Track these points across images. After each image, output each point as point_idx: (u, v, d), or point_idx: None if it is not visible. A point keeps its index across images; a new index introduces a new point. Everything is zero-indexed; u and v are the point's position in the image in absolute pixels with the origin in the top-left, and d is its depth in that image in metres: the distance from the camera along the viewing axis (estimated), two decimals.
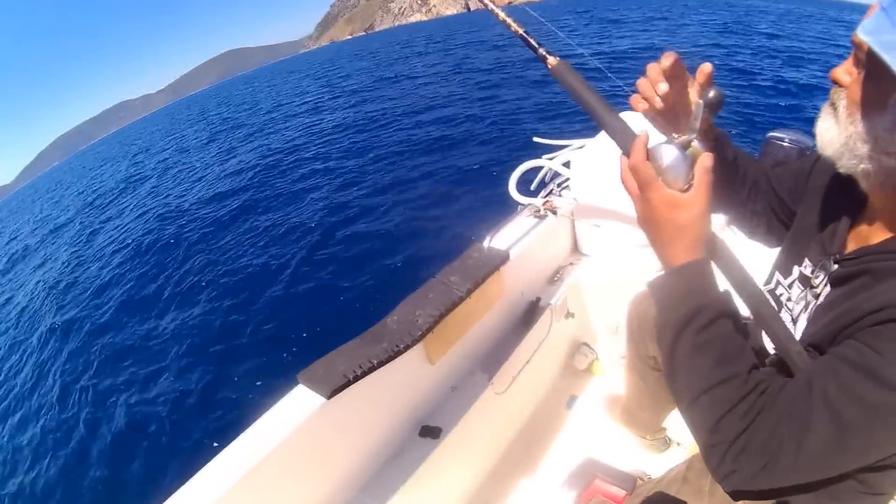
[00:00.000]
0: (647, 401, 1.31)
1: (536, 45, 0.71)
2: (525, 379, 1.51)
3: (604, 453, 1.52)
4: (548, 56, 0.68)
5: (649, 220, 0.58)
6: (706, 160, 0.56)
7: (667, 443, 1.50)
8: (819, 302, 0.64)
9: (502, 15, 0.76)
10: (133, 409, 3.65)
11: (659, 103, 0.66)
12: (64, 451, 3.52)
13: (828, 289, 0.63)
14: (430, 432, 1.24)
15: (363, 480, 1.16)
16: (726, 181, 0.79)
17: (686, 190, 0.56)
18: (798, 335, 0.65)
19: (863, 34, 0.46)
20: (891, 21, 0.45)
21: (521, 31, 0.73)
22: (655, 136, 0.64)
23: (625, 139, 0.61)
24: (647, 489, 0.96)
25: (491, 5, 0.79)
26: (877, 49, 0.44)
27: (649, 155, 0.57)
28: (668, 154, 0.57)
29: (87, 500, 2.97)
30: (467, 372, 1.42)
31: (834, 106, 0.55)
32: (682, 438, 1.51)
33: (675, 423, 1.50)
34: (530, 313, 1.58)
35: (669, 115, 0.67)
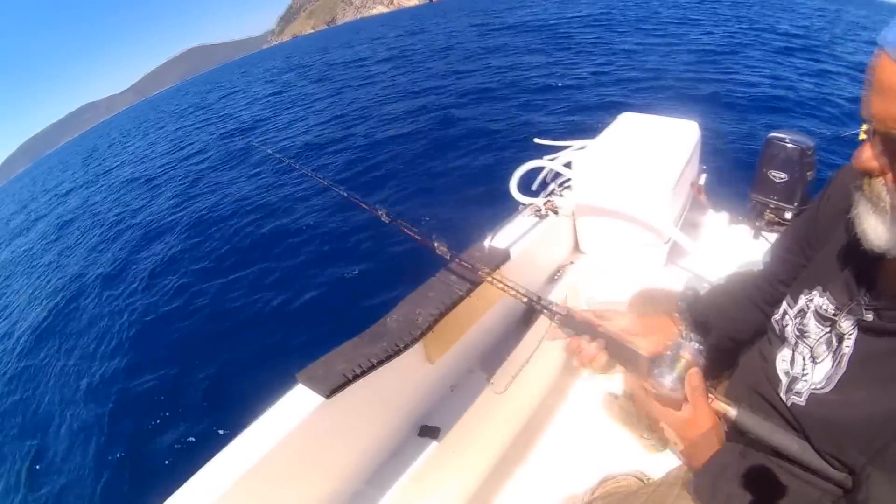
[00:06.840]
0: None
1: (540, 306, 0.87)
2: (524, 378, 1.51)
3: (602, 453, 1.52)
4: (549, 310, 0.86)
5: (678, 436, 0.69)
6: (693, 378, 0.64)
7: (665, 443, 1.50)
8: (851, 352, 0.59)
9: (515, 289, 0.92)
10: (131, 409, 3.66)
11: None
12: (66, 452, 3.54)
13: (855, 333, 0.59)
14: (429, 432, 1.24)
15: (362, 480, 1.16)
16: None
17: (684, 399, 0.66)
18: (819, 377, 0.62)
19: None
20: None
21: (525, 299, 0.88)
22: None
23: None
24: (646, 492, 0.95)
25: (517, 291, 0.93)
26: None
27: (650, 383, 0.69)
28: (659, 382, 0.68)
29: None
30: (467, 371, 1.42)
31: (871, 199, 0.50)
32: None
33: None
34: (530, 312, 1.57)
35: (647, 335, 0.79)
